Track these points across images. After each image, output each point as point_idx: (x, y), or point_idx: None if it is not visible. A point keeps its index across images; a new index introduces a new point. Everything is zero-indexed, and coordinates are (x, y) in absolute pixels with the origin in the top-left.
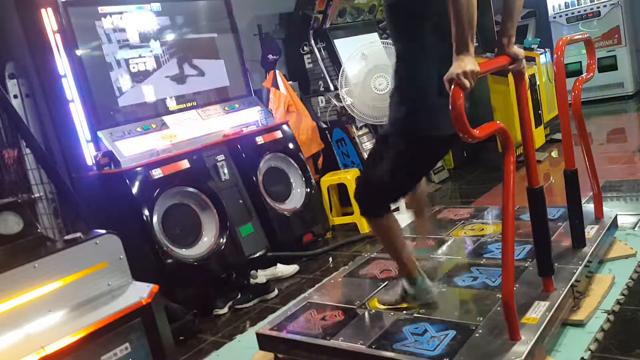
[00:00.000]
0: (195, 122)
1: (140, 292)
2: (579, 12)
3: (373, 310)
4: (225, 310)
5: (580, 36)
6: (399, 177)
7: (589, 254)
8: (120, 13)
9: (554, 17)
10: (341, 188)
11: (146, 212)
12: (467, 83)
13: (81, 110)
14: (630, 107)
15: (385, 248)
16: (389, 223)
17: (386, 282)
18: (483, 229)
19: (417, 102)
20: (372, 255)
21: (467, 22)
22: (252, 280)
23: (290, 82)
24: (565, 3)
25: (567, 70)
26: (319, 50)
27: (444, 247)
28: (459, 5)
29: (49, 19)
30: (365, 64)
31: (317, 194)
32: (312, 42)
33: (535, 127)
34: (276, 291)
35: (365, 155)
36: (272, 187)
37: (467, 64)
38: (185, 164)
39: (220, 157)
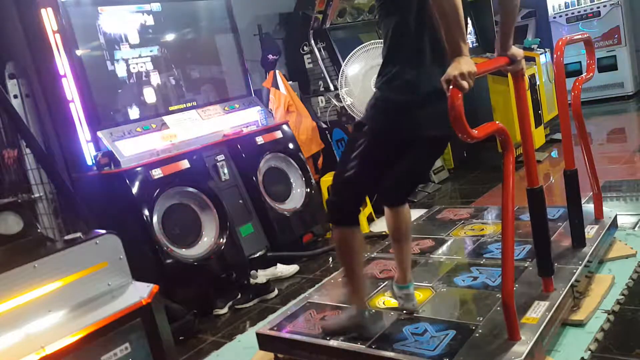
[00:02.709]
0: (195, 122)
1: (140, 292)
2: (579, 12)
3: (373, 310)
4: (225, 310)
5: (580, 36)
6: (365, 171)
7: (589, 254)
8: (120, 13)
9: (554, 17)
10: None
11: (146, 212)
12: (465, 84)
13: (81, 110)
14: (630, 107)
15: (342, 264)
16: (355, 235)
17: (386, 282)
18: (483, 229)
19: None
20: (372, 255)
21: (454, 24)
22: (252, 280)
23: (290, 82)
24: (565, 3)
25: (567, 70)
26: (319, 50)
27: (444, 247)
28: (443, 9)
29: (49, 19)
30: (365, 64)
31: (317, 194)
32: (312, 42)
33: (535, 127)
34: (276, 291)
35: None
36: (272, 187)
37: (463, 65)
38: (185, 164)
39: (220, 157)
